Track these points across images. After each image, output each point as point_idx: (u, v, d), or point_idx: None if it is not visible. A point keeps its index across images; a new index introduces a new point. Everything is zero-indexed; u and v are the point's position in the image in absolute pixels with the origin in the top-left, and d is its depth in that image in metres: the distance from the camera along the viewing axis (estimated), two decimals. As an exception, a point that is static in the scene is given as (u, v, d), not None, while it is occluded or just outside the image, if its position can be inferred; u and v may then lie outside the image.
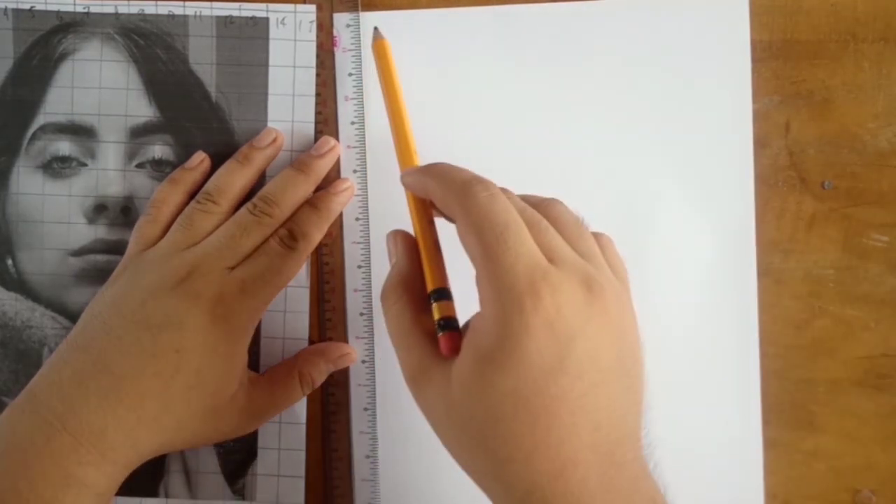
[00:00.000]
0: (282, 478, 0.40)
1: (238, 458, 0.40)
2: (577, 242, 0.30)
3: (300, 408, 0.40)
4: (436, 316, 0.30)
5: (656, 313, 0.40)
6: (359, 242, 0.41)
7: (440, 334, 0.30)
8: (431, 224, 0.33)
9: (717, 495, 0.40)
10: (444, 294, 0.31)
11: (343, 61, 0.41)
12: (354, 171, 0.41)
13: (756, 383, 0.40)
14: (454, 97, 0.41)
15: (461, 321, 0.30)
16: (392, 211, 0.41)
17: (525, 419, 0.26)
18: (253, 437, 0.40)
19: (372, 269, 0.41)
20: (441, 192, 0.31)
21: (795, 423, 0.40)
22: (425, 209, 0.33)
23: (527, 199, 0.31)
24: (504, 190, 0.30)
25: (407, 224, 0.40)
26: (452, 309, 0.31)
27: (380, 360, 0.41)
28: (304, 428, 0.40)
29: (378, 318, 0.41)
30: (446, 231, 0.32)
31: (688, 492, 0.40)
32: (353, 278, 0.41)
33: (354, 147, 0.41)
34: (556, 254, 0.28)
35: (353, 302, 0.41)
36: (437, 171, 0.31)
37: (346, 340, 0.41)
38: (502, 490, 0.27)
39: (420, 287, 0.32)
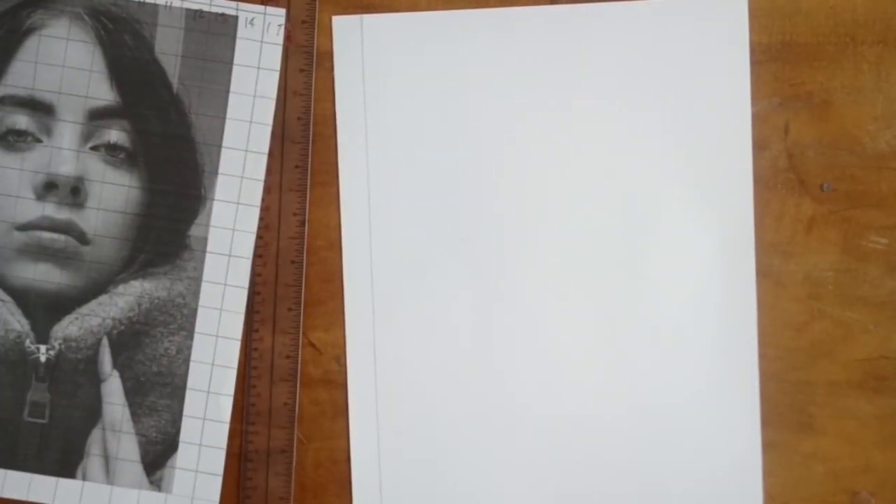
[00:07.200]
0: (199, 473, 0.40)
1: (159, 448, 0.40)
2: None
3: (225, 405, 0.40)
4: None
5: (655, 314, 0.40)
6: (359, 243, 0.41)
7: None
8: None
9: (716, 496, 0.40)
10: None
11: (344, 62, 0.41)
12: (355, 171, 0.41)
13: (755, 385, 0.40)
14: (453, 99, 0.41)
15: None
16: (392, 211, 0.41)
17: None
18: (176, 430, 0.40)
19: (372, 268, 0.41)
20: None
21: (794, 424, 0.40)
22: None
23: None
24: None
25: (407, 221, 0.41)
26: None
27: (380, 360, 0.41)
28: (227, 426, 0.40)
29: (377, 318, 0.41)
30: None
31: (687, 493, 0.40)
32: (353, 278, 0.41)
33: (355, 147, 0.41)
34: None
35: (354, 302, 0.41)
36: None
37: (343, 340, 0.41)
38: None
39: None
